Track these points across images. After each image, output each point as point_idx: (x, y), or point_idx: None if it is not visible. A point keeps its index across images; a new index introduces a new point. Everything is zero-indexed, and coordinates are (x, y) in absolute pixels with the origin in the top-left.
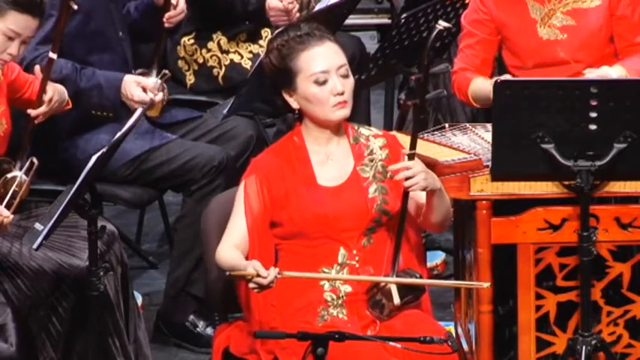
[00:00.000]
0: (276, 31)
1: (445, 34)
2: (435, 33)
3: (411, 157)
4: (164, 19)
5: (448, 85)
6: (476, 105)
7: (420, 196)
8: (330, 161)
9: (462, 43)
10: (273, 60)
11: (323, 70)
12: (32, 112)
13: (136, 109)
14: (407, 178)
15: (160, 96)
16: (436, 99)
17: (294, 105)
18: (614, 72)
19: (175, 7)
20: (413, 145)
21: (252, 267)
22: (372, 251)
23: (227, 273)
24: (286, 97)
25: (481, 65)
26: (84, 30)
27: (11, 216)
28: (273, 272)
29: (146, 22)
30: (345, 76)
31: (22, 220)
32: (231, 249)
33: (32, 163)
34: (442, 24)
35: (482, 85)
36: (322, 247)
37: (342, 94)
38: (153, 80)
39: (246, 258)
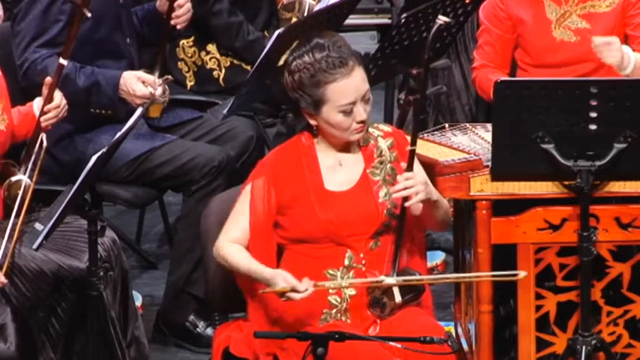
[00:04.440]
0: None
1: (445, 31)
2: (435, 27)
3: (411, 152)
4: (173, 21)
5: (451, 81)
6: None
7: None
8: (340, 166)
9: (481, 39)
10: (297, 84)
11: (351, 102)
12: (42, 119)
13: (136, 106)
14: (406, 188)
15: (159, 91)
16: (436, 98)
17: (312, 122)
18: (629, 52)
19: (181, 7)
20: (414, 142)
21: (284, 280)
22: (378, 254)
23: (260, 291)
24: (306, 115)
25: (501, 62)
26: (92, 36)
27: (5, 281)
28: (308, 285)
29: (147, 28)
30: (368, 101)
31: (24, 222)
32: (232, 245)
33: (42, 142)
34: (442, 18)
35: None
36: (329, 250)
37: (364, 121)
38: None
39: None
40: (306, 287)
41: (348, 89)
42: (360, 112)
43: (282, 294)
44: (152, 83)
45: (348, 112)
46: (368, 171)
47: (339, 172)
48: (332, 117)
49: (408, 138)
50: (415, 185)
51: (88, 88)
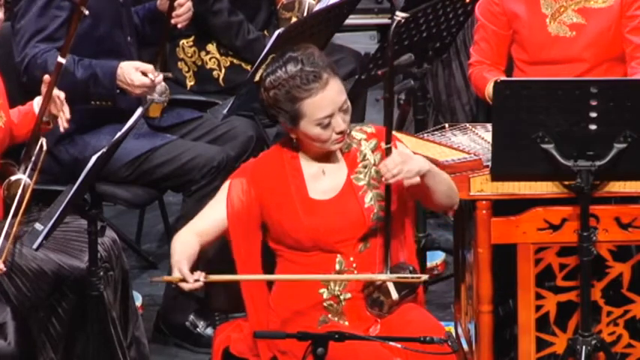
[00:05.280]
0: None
1: (442, 30)
2: (394, 24)
3: (388, 150)
4: (173, 20)
5: (451, 81)
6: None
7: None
8: (323, 174)
9: (477, 35)
10: (273, 100)
11: (328, 115)
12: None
13: (135, 97)
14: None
15: (160, 77)
16: (436, 98)
17: (292, 135)
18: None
19: (182, 6)
20: (388, 139)
21: (178, 270)
22: (368, 255)
23: (149, 280)
24: (284, 128)
25: (497, 58)
26: (92, 34)
27: (4, 269)
28: (198, 276)
29: (148, 27)
30: (346, 111)
31: (22, 221)
32: (191, 235)
33: (42, 145)
34: (400, 14)
35: None
36: (319, 257)
37: (343, 132)
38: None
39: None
40: (196, 278)
41: (324, 103)
42: (339, 123)
43: (172, 283)
44: (151, 71)
45: (326, 125)
46: (352, 177)
47: (323, 180)
48: (310, 130)
49: (400, 136)
50: (396, 166)
51: (86, 80)
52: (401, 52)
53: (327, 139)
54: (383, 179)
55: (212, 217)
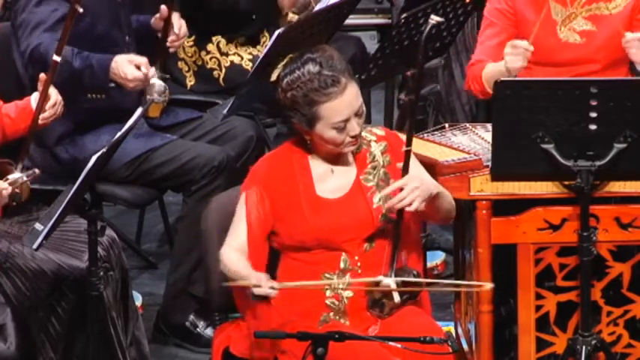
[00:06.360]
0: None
1: (442, 30)
2: (428, 27)
3: (407, 154)
4: (169, 43)
5: (451, 81)
6: (490, 91)
7: None
8: (333, 173)
9: (483, 35)
10: (290, 102)
11: (344, 119)
12: (41, 117)
13: (129, 90)
14: (401, 200)
15: (153, 70)
16: (436, 98)
17: (306, 137)
18: None
19: (176, 33)
20: (409, 142)
21: (255, 277)
22: (373, 255)
23: (223, 284)
24: (298, 128)
25: (501, 59)
26: (90, 33)
27: (8, 188)
28: (271, 284)
29: (138, 44)
30: (361, 115)
31: (22, 221)
32: (235, 252)
33: (34, 172)
34: (435, 18)
35: (495, 67)
36: (323, 255)
37: (357, 135)
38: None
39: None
40: (271, 285)
41: (341, 107)
42: (354, 126)
43: (246, 287)
44: (145, 64)
45: (341, 129)
46: (361, 177)
47: (332, 179)
48: (325, 133)
49: (403, 137)
50: (410, 193)
51: (82, 71)
52: (400, 52)
53: (342, 142)
54: (388, 204)
55: (242, 233)
